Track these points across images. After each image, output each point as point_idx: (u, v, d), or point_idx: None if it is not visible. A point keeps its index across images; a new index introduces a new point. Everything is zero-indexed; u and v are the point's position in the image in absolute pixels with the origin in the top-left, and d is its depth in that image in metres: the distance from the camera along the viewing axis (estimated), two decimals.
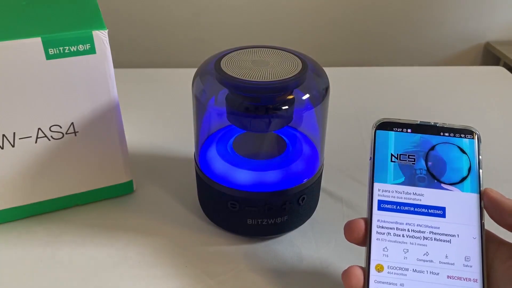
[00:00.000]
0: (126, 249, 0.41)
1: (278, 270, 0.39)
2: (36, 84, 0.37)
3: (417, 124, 0.33)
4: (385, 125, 0.33)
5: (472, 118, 0.62)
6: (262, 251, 0.40)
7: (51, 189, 0.43)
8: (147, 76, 0.74)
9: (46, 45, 0.36)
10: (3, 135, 0.38)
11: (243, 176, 0.39)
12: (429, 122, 0.33)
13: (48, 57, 0.36)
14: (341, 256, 0.40)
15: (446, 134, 0.33)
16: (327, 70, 0.40)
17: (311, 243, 0.41)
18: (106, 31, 0.37)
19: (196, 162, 0.42)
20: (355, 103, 0.65)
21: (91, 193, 0.44)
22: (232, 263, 0.39)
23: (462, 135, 0.33)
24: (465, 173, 0.32)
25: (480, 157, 0.32)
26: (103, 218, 0.44)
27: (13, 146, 0.39)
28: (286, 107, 0.36)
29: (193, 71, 0.40)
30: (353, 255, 0.34)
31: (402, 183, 0.32)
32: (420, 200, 0.32)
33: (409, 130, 0.33)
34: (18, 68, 0.36)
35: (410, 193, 0.32)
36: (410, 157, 0.33)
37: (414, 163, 0.32)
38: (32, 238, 0.42)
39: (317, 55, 0.46)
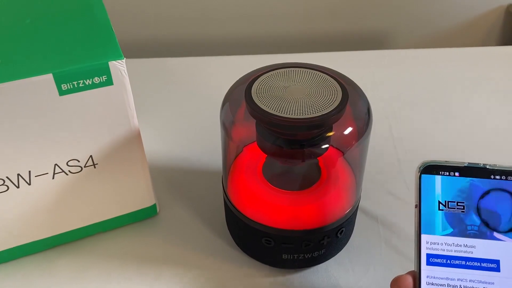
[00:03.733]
0: (157, 284, 0.39)
1: None
2: (49, 121, 0.34)
3: (465, 167, 0.30)
4: (430, 169, 0.30)
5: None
6: (298, 283, 0.39)
7: (72, 221, 0.40)
8: (165, 67, 0.64)
9: (59, 81, 0.32)
10: (18, 175, 0.35)
11: (277, 212, 0.36)
12: (478, 164, 0.30)
13: (61, 93, 0.33)
14: (380, 284, 0.38)
15: (497, 177, 0.30)
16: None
17: (348, 272, 0.39)
18: (124, 60, 0.34)
19: (224, 191, 0.39)
20: (379, 95, 0.59)
21: (113, 220, 0.42)
22: None
23: None
24: None
25: None
26: (128, 246, 0.42)
27: (29, 184, 0.36)
28: (326, 145, 0.33)
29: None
30: None
31: (452, 234, 0.29)
32: (472, 252, 0.29)
33: (456, 174, 0.30)
34: (29, 107, 0.33)
35: (461, 245, 0.29)
36: (459, 204, 0.30)
37: (464, 211, 0.30)
38: (56, 271, 0.40)
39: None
